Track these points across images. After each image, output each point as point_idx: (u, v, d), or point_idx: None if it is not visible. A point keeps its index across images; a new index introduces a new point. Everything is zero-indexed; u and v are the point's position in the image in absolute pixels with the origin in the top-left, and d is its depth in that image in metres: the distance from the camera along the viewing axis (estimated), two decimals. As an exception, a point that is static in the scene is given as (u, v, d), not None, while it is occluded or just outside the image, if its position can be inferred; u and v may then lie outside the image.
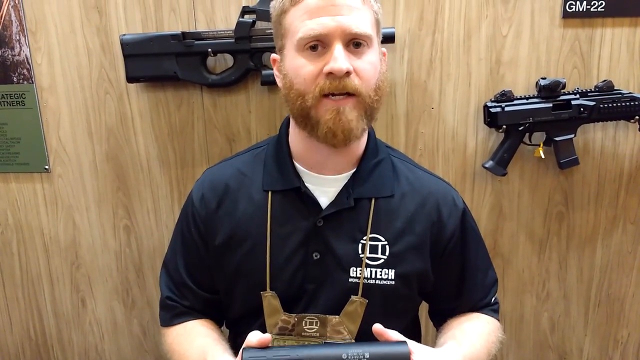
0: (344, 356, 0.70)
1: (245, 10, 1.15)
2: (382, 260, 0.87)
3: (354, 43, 0.78)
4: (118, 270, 1.41)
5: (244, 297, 0.91)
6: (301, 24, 0.78)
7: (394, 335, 0.76)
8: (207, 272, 0.94)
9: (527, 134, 1.20)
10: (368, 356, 0.70)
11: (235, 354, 0.85)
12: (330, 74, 0.76)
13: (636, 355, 1.39)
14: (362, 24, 0.78)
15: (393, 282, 0.87)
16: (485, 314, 0.98)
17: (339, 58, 0.76)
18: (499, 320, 1.00)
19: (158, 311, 1.39)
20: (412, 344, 0.75)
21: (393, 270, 0.87)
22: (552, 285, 1.35)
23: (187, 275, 0.95)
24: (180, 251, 0.96)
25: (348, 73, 0.76)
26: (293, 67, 0.80)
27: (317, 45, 0.78)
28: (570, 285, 1.35)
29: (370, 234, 0.87)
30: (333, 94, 0.78)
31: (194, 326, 0.95)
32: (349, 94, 0.78)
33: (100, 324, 1.46)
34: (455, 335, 0.90)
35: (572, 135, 1.19)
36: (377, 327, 0.76)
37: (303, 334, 0.87)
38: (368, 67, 0.79)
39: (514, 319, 1.38)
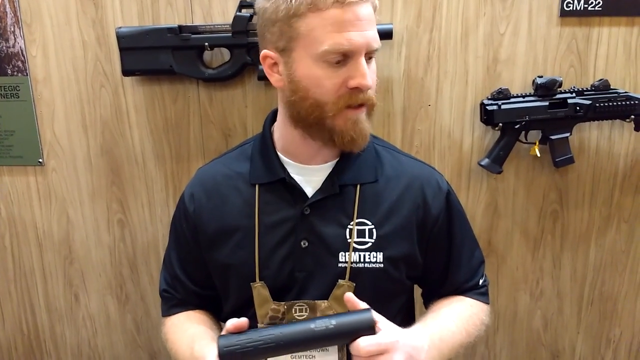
0: (312, 326, 0.74)
1: (243, 5, 1.14)
2: (369, 244, 0.88)
3: (369, 56, 0.81)
4: (112, 265, 1.41)
5: (236, 289, 0.92)
6: (326, 35, 0.77)
7: (361, 305, 0.79)
8: (200, 267, 0.96)
9: (523, 132, 1.20)
10: (334, 323, 0.74)
11: None
12: (356, 88, 0.79)
13: (628, 354, 1.40)
14: (378, 37, 0.81)
15: (382, 265, 0.88)
16: (470, 297, 0.98)
17: (367, 75, 0.79)
18: (487, 303, 1.00)
19: (152, 306, 1.41)
20: (377, 315, 0.78)
21: (381, 253, 0.88)
22: (546, 283, 1.35)
23: (180, 269, 0.98)
24: (173, 247, 1.00)
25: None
26: (311, 76, 0.80)
27: (341, 59, 0.79)
28: (564, 284, 1.35)
29: (357, 218, 0.88)
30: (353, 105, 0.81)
31: (187, 317, 0.98)
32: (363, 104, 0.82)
33: (93, 318, 1.46)
34: (425, 320, 0.92)
35: (567, 134, 1.19)
36: (348, 295, 0.79)
37: (293, 321, 0.88)
38: (374, 76, 0.83)
39: (507, 317, 1.38)
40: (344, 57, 0.79)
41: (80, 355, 1.49)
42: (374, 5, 0.81)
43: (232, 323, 0.76)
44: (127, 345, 1.47)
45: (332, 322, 0.74)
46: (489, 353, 1.41)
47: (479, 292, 1.00)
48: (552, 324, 1.38)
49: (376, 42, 0.80)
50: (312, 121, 0.82)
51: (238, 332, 0.76)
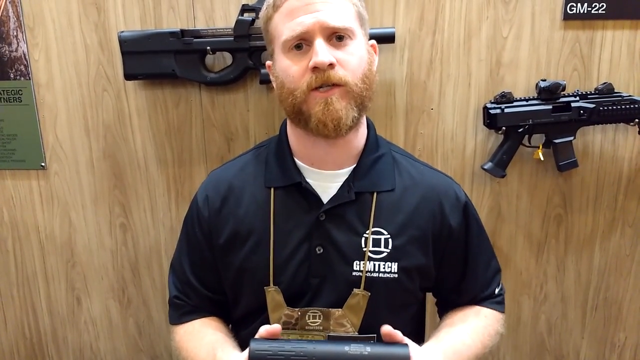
0: (347, 348, 0.72)
1: (245, 9, 1.14)
2: (385, 254, 0.87)
3: (336, 37, 0.80)
4: (114, 269, 1.40)
5: (249, 293, 0.91)
6: (284, 27, 0.81)
7: (400, 336, 0.77)
8: (212, 272, 0.95)
9: (527, 136, 1.20)
10: (369, 350, 0.72)
11: (240, 349, 0.86)
12: (315, 68, 0.78)
13: (633, 359, 1.39)
14: (340, 17, 0.80)
15: (396, 275, 0.87)
16: (486, 306, 0.98)
17: (320, 52, 0.78)
18: (503, 312, 1.00)
19: (154, 310, 1.41)
20: (412, 348, 0.76)
21: (396, 264, 0.87)
22: (550, 287, 1.34)
23: (192, 274, 0.97)
24: (185, 251, 0.98)
25: (331, 65, 0.79)
26: (282, 68, 0.83)
27: (301, 44, 0.81)
28: (568, 288, 1.34)
29: (373, 227, 0.87)
30: (320, 87, 0.80)
31: (202, 324, 0.96)
32: (335, 85, 0.80)
33: (95, 322, 1.45)
34: (439, 334, 0.91)
35: (571, 138, 1.19)
36: (386, 328, 0.77)
37: (307, 327, 0.87)
38: (351, 57, 0.81)
39: (511, 321, 1.37)
40: (305, 43, 0.80)
41: (82, 359, 1.49)
42: None
43: (265, 329, 0.75)
44: (129, 349, 1.47)
45: (367, 349, 0.72)
46: (493, 358, 1.40)
47: (495, 301, 0.99)
48: (556, 328, 1.38)
49: (334, 19, 0.79)
50: (291, 110, 0.83)
51: (271, 338, 0.75)
